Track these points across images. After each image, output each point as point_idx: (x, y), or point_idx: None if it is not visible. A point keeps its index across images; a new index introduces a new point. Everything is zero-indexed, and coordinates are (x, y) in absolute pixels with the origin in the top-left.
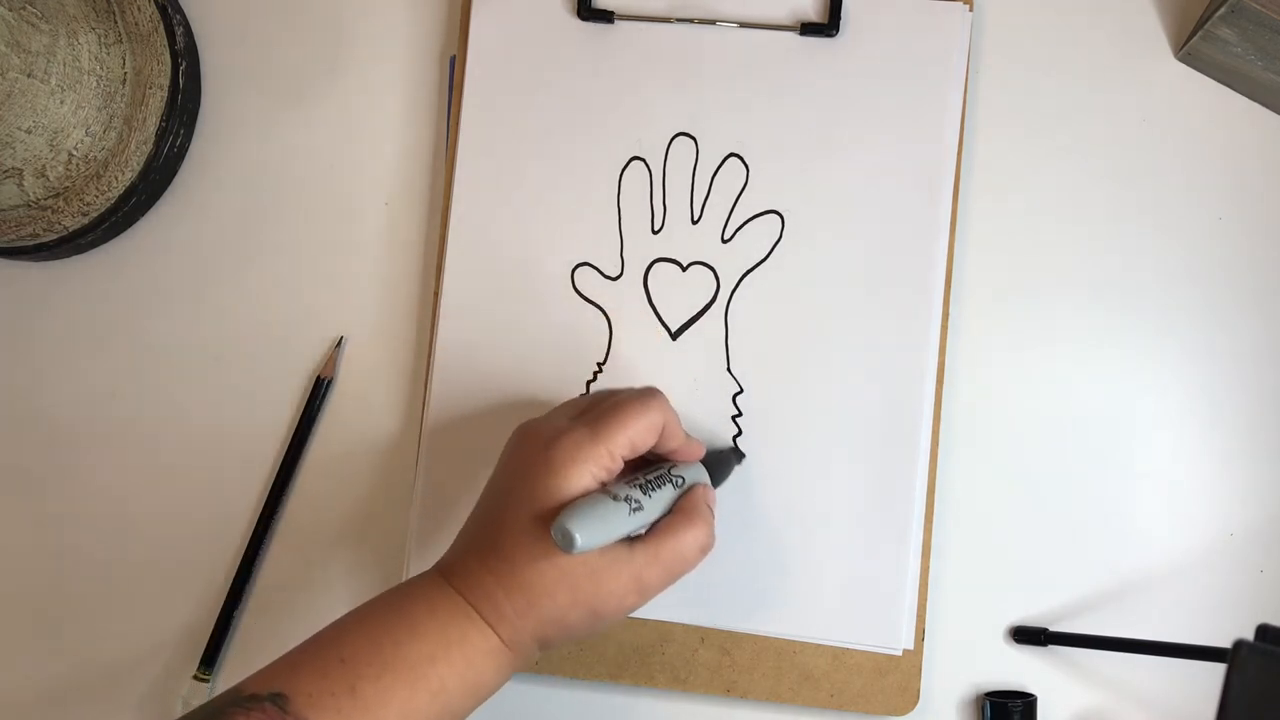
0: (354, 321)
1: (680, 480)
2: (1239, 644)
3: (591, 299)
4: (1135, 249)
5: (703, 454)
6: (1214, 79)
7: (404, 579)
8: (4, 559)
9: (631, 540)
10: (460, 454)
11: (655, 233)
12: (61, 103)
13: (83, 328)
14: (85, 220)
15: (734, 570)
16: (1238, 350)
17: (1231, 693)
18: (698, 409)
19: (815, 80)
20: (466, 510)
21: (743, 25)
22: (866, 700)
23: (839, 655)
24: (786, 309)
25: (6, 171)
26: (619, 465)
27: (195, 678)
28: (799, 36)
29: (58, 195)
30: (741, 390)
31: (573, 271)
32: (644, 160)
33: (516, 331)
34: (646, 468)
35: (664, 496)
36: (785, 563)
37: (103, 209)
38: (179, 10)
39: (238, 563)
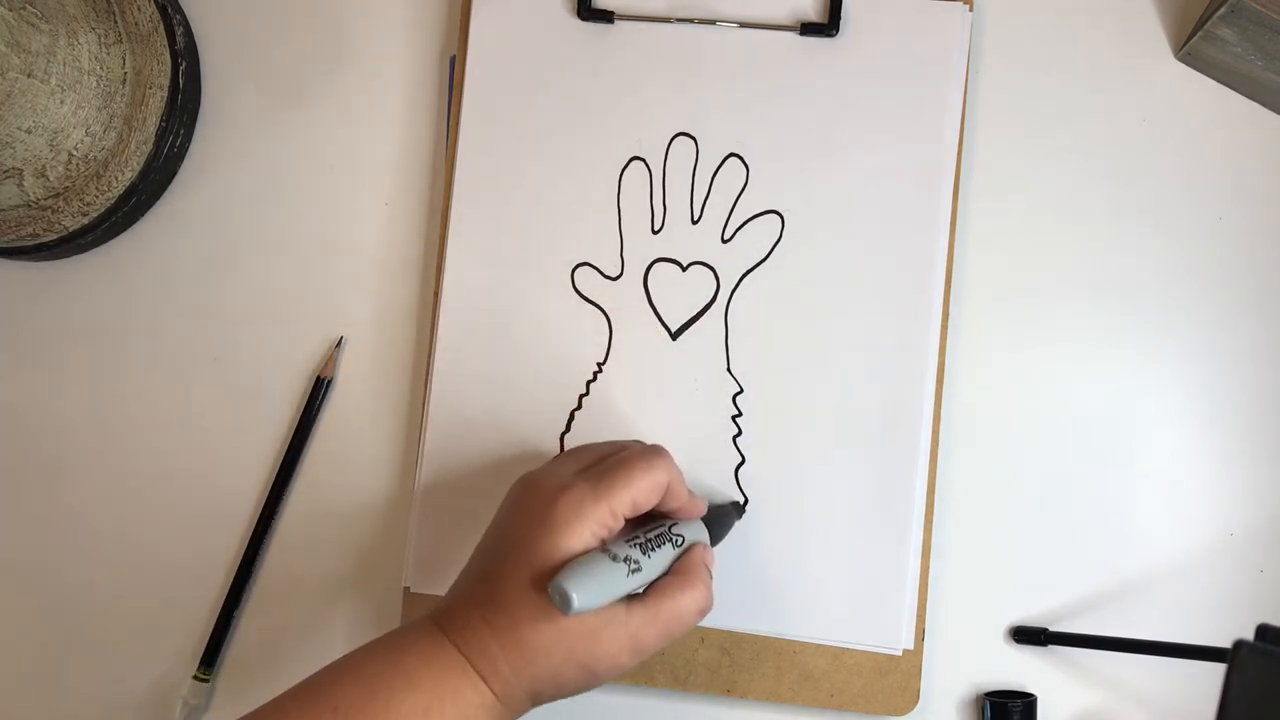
0: (354, 321)
1: (680, 539)
2: (1239, 644)
3: (591, 299)
4: (1135, 249)
5: (704, 512)
6: (1214, 79)
7: (404, 580)
8: (3, 559)
9: (629, 599)
10: (461, 454)
11: (655, 233)
12: (61, 103)
13: (83, 328)
14: (85, 220)
15: (734, 570)
16: (1238, 350)
17: (1231, 693)
18: (698, 409)
19: (815, 80)
20: (466, 512)
21: (743, 25)
22: (866, 700)
23: (839, 655)
24: (786, 309)
25: (6, 171)
26: (620, 524)
27: (195, 678)
28: (799, 36)
29: (58, 195)
30: (741, 390)
31: (573, 271)
32: (644, 160)
33: (517, 331)
34: (647, 524)
35: (663, 557)
36: (785, 563)
37: (103, 209)
38: (179, 10)
39: (238, 563)
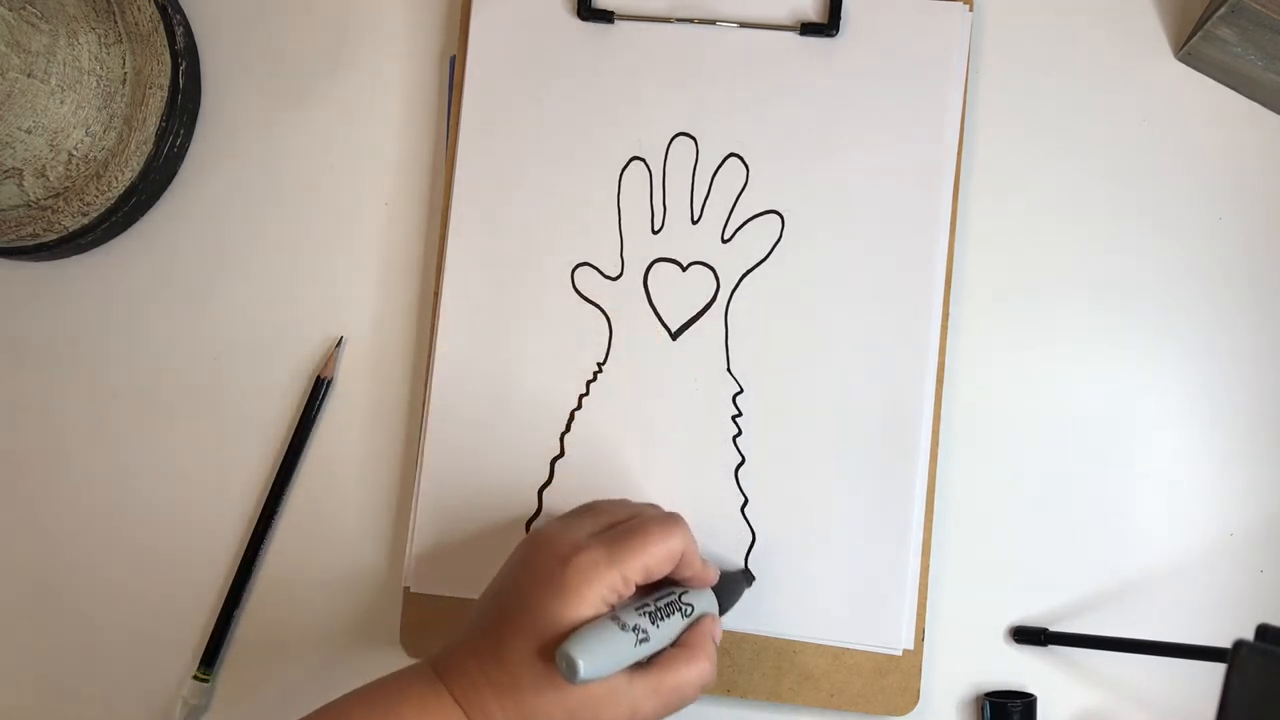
0: (354, 321)
1: (689, 609)
2: (1239, 644)
3: (591, 299)
4: (1135, 249)
5: (715, 582)
6: (1214, 79)
7: (404, 580)
8: (3, 558)
9: (633, 668)
10: (461, 454)
11: (655, 233)
12: (61, 103)
13: (83, 328)
14: (85, 220)
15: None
16: (1238, 350)
17: (1231, 693)
18: (698, 409)
19: (815, 80)
20: (466, 512)
21: (743, 25)
22: (866, 700)
23: (839, 655)
24: (786, 309)
25: (6, 171)
26: (631, 591)
27: (195, 678)
28: (799, 36)
29: (58, 195)
30: (741, 390)
31: (573, 271)
32: (644, 160)
33: (516, 331)
34: (656, 591)
35: (672, 627)
36: (785, 562)
37: (103, 209)
38: (179, 10)
39: (238, 563)
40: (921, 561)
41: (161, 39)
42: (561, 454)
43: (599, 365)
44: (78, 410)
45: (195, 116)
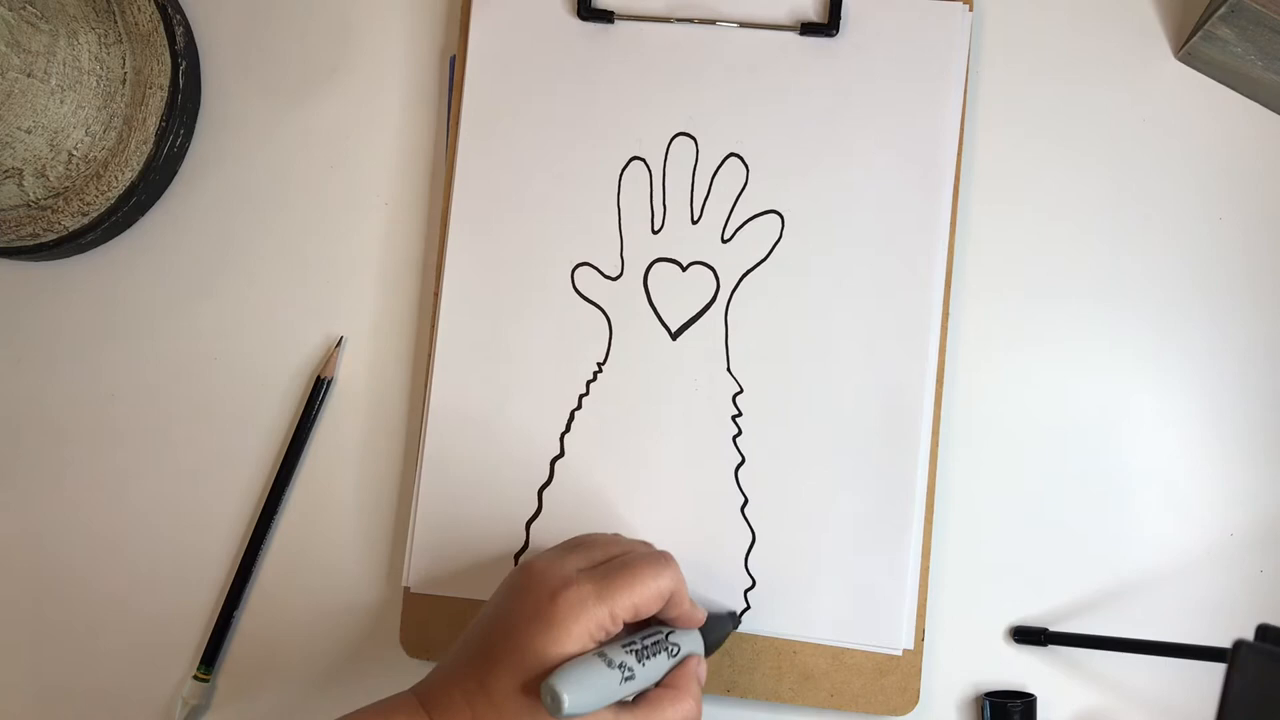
0: (354, 321)
1: (676, 649)
2: (1239, 644)
3: (591, 299)
4: (1135, 249)
5: (703, 622)
6: (1214, 79)
7: (404, 580)
8: (3, 558)
9: (618, 705)
10: (461, 454)
11: (655, 233)
12: (61, 103)
13: (83, 328)
14: (85, 220)
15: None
16: (1237, 350)
17: (1231, 693)
18: (698, 409)
19: (815, 80)
20: (466, 512)
21: (743, 25)
22: (866, 700)
23: (839, 655)
24: (786, 309)
25: (6, 171)
26: (619, 628)
27: (195, 678)
28: (799, 36)
29: (58, 195)
30: (741, 390)
31: (573, 271)
32: (644, 160)
33: (516, 331)
34: (644, 629)
35: (657, 666)
36: (785, 562)
37: (103, 209)
38: (179, 10)
39: (238, 562)
40: (921, 561)
41: (161, 39)
42: (561, 454)
43: (599, 365)
44: (77, 410)
45: (195, 116)
